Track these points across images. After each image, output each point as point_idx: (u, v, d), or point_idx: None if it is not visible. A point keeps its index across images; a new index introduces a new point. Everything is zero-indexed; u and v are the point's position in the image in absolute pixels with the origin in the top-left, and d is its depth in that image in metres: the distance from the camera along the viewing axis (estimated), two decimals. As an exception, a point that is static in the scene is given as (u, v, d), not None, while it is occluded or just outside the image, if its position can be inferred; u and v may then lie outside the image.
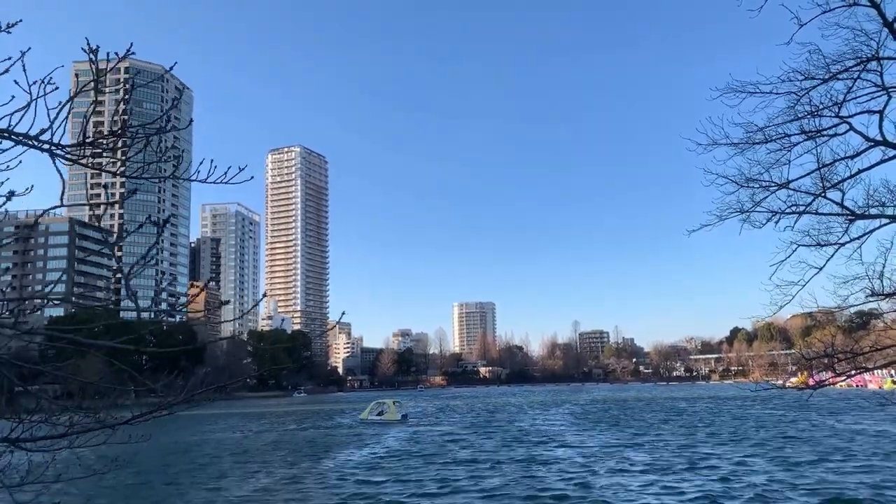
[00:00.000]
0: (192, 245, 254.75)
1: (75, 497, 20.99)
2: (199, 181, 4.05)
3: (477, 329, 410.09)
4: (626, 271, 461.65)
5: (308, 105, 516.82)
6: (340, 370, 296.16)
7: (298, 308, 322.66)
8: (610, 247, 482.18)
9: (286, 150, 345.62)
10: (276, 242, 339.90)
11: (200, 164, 4.08)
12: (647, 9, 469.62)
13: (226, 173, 4.10)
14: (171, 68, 4.16)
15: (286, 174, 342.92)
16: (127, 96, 4.01)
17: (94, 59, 3.62)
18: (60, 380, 3.93)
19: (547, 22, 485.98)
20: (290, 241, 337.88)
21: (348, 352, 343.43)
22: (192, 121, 4.37)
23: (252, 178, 4.30)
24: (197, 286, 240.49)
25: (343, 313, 5.34)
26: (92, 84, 3.75)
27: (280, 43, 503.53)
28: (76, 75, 3.78)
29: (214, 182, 4.10)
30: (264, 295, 16.70)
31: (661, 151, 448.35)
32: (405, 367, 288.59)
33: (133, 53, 3.97)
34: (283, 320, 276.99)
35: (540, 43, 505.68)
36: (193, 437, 47.10)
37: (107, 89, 3.89)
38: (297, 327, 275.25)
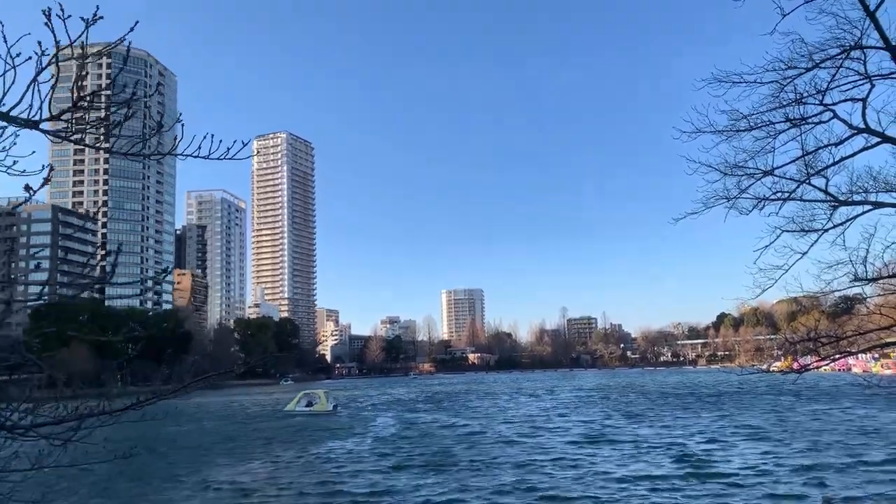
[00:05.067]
0: (178, 232, 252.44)
1: (64, 488, 20.94)
2: (203, 157, 4.03)
3: (465, 316, 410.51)
4: (614, 258, 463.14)
5: (297, 95, 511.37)
6: (328, 358, 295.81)
7: (286, 295, 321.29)
8: (597, 234, 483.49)
9: (272, 136, 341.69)
10: (262, 229, 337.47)
11: (203, 138, 4.06)
12: (646, 9, 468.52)
13: (228, 150, 4.08)
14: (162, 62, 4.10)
15: (272, 160, 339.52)
16: (108, 75, 3.95)
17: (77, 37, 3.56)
18: (46, 368, 3.90)
19: (545, 22, 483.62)
20: (277, 228, 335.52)
21: (336, 339, 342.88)
22: (180, 119, 4.30)
23: (255, 153, 4.26)
24: (182, 274, 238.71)
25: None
26: (74, 60, 3.70)
27: (275, 36, 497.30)
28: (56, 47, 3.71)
29: (219, 158, 4.09)
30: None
31: (649, 141, 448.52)
32: (394, 354, 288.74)
33: (101, 18, 3.85)
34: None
35: (530, 44, 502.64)
36: (171, 428, 46.66)
37: (88, 67, 3.84)
38: (284, 314, 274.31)
